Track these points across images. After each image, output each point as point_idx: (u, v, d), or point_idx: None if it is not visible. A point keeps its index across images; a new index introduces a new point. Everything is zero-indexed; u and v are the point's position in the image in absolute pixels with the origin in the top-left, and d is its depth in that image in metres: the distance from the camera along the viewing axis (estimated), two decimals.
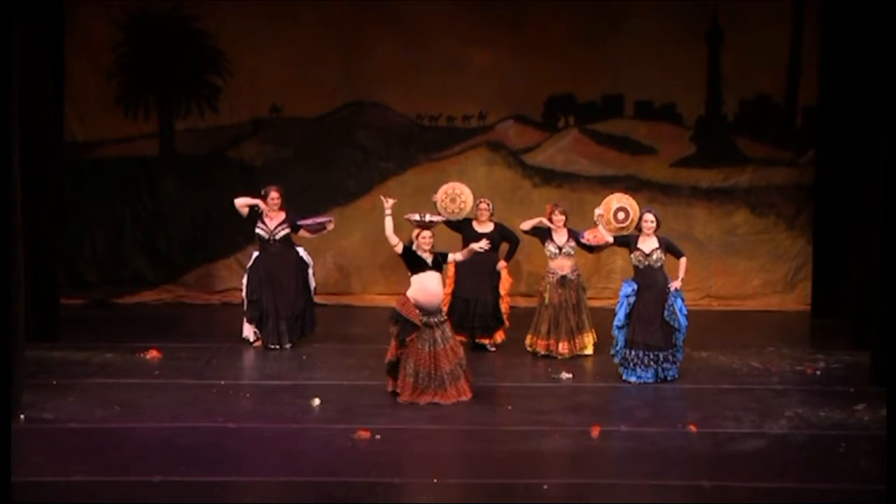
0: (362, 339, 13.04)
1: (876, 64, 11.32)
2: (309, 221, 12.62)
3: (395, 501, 8.18)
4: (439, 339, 10.34)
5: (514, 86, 14.97)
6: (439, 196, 12.56)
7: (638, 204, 11.56)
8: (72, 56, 14.30)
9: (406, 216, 10.71)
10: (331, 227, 12.76)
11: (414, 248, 10.47)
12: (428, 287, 10.38)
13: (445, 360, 10.31)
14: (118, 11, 14.83)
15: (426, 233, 10.48)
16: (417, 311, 10.31)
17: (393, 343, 10.41)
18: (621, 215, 11.44)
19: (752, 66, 14.85)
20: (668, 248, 11.26)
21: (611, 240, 11.52)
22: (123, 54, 14.95)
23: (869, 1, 12.00)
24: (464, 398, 10.40)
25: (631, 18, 14.84)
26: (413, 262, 10.44)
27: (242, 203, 12.44)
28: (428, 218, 10.60)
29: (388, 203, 10.63)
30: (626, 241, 11.35)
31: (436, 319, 10.37)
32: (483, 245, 10.89)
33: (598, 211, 11.51)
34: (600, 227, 11.52)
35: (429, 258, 10.44)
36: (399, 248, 10.45)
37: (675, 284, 11.14)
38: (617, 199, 11.57)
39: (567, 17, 14.83)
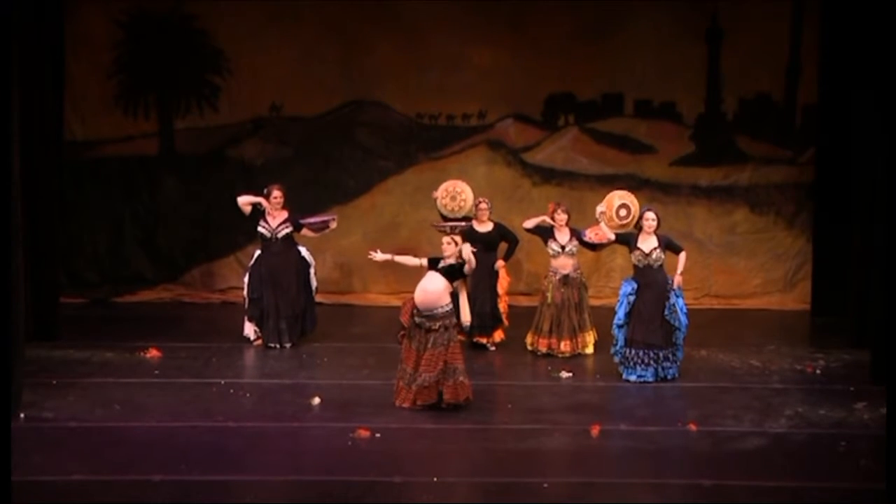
0: (362, 338, 13.04)
1: (875, 63, 11.31)
2: (312, 220, 12.63)
3: (395, 501, 8.18)
4: (429, 344, 10.01)
5: (513, 85, 14.96)
6: (439, 193, 12.55)
7: (638, 202, 11.57)
8: (72, 56, 14.33)
9: (432, 224, 10.42)
10: (334, 225, 12.75)
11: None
12: (423, 286, 10.24)
13: (427, 366, 10.00)
14: (118, 11, 14.81)
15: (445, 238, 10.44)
16: (414, 310, 10.20)
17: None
18: (623, 212, 11.45)
19: (751, 66, 14.83)
20: (667, 245, 11.25)
21: (612, 237, 11.52)
22: (123, 54, 14.93)
23: (868, 1, 11.99)
24: (469, 397, 10.20)
25: (630, 18, 14.81)
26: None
27: (245, 201, 12.46)
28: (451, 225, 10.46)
29: (378, 257, 10.56)
30: (627, 240, 11.36)
31: (429, 323, 10.04)
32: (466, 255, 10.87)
33: (600, 208, 11.51)
34: (602, 224, 11.53)
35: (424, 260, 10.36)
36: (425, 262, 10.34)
37: (676, 280, 11.12)
38: (619, 196, 11.59)
39: (567, 17, 14.80)
